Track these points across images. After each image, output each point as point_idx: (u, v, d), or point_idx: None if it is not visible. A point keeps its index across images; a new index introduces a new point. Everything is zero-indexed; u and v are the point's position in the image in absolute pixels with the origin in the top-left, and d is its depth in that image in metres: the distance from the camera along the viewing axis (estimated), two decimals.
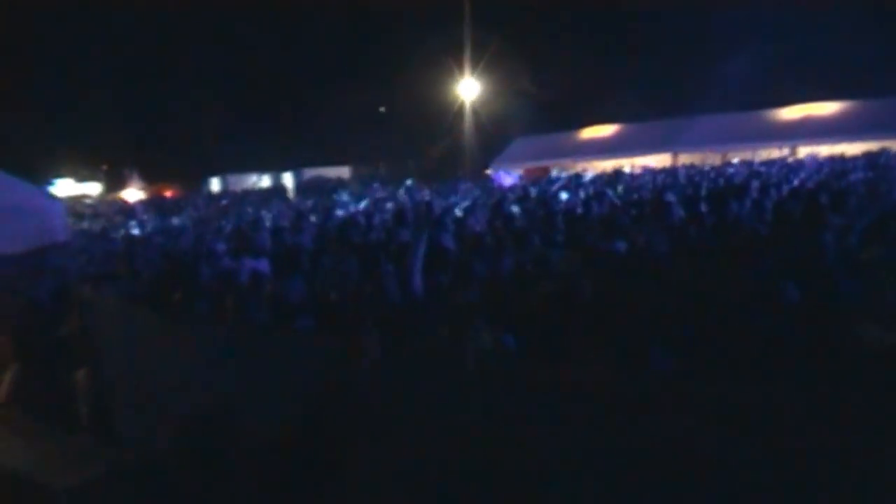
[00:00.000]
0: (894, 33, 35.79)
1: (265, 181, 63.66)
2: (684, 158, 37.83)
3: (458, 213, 15.37)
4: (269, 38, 59.71)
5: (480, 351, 4.63)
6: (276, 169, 64.35)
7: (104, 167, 63.90)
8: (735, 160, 31.12)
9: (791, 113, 40.19)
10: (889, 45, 35.53)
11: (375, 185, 38.76)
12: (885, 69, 35.19)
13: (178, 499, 3.85)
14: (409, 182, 27.76)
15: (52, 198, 8.09)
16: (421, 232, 6.73)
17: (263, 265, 8.76)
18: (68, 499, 4.31)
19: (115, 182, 61.43)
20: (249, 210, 26.45)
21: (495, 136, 48.41)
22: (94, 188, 63.23)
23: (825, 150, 31.55)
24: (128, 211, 36.41)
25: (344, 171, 62.09)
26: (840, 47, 39.24)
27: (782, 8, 43.20)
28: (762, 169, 23.65)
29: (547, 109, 48.75)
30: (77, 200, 46.61)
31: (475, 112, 48.70)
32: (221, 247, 11.14)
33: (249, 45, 59.07)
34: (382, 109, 62.99)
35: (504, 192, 22.11)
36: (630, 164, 36.53)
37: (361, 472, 3.48)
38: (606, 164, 38.03)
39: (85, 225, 27.45)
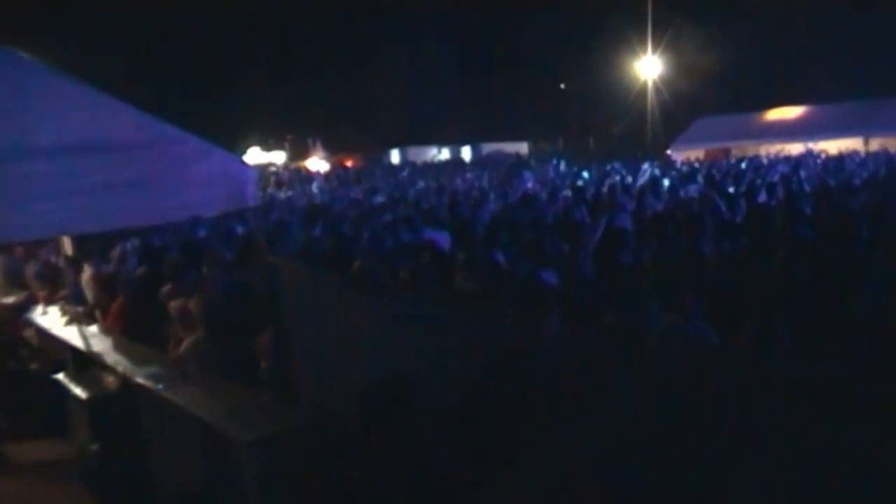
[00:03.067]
0: None
1: (444, 154, 64.36)
2: (876, 144, 35.96)
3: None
4: (454, 13, 60.29)
5: (657, 334, 4.61)
6: (454, 142, 64.98)
7: (289, 137, 65.99)
8: None
9: None
10: None
11: (554, 161, 38.61)
12: None
13: (354, 459, 4.00)
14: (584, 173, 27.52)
15: (245, 165, 8.44)
16: (600, 215, 6.72)
17: (443, 238, 8.90)
18: (252, 450, 4.54)
19: (299, 151, 63.42)
20: (431, 183, 26.77)
21: (677, 115, 47.44)
22: (279, 157, 65.43)
23: None
24: (310, 179, 37.59)
25: (522, 147, 62.10)
26: None
27: None
28: None
29: (731, 89, 47.45)
30: (264, 168, 48.34)
31: (657, 91, 47.89)
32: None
33: (438, 21, 59.89)
34: (563, 86, 62.71)
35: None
36: (817, 147, 35.05)
37: (533, 451, 3.52)
38: (791, 148, 36.72)
39: (270, 191, 28.50)
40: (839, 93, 42.06)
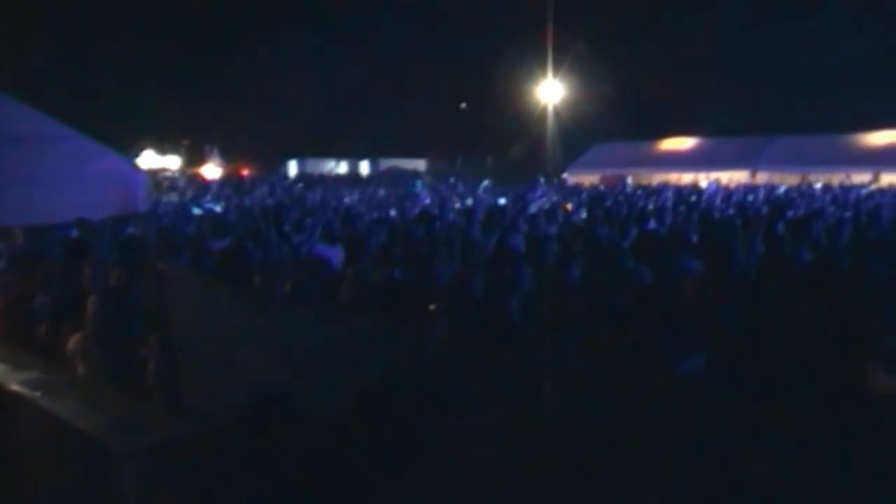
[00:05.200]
0: None
1: (342, 168, 64.15)
2: (762, 177, 37.31)
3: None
4: (354, 27, 60.23)
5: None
6: (353, 156, 64.86)
7: (185, 142, 64.93)
8: (818, 184, 30.52)
9: (876, 139, 39.39)
10: None
11: (451, 179, 38.85)
12: None
13: (237, 472, 3.92)
14: (485, 183, 27.77)
15: (137, 168, 8.24)
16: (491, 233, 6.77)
17: (335, 253, 8.85)
18: (129, 462, 4.41)
19: (194, 157, 62.44)
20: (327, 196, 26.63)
21: (576, 140, 48.21)
22: (174, 162, 64.27)
23: None
24: (204, 187, 37.04)
25: (420, 164, 62.33)
26: None
27: (872, 36, 42.42)
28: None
29: (627, 117, 48.44)
30: (157, 173, 47.44)
31: (557, 115, 48.59)
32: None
33: (335, 33, 59.70)
34: (464, 106, 63.11)
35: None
36: (707, 178, 36.06)
37: (422, 459, 3.52)
38: (683, 178, 37.69)
39: (163, 197, 27.97)
40: (730, 128, 43.59)
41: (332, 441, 3.81)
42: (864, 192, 24.53)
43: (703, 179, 34.93)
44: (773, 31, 46.23)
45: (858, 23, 42.90)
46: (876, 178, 33.52)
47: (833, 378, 4.46)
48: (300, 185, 38.92)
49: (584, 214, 15.58)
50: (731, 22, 48.44)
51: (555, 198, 22.58)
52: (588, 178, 41.67)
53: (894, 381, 3.93)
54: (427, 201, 21.61)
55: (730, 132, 43.64)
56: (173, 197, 28.60)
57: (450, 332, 5.52)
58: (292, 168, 63.93)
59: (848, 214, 14.71)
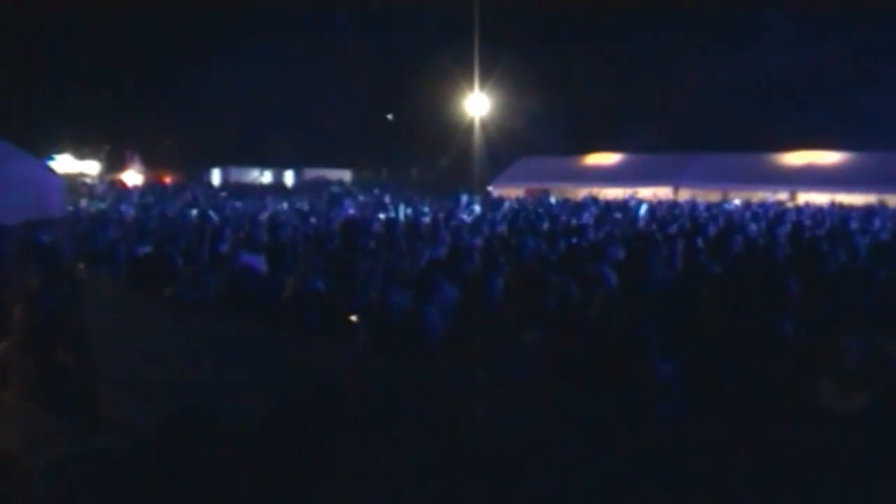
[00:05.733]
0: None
1: (266, 177, 63.62)
2: (685, 193, 37.99)
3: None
4: (282, 37, 59.84)
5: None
6: (278, 166, 64.37)
7: (106, 147, 63.66)
8: (737, 200, 31.26)
9: (793, 159, 40.44)
10: (891, 100, 35.74)
11: (376, 190, 38.80)
12: (887, 123, 35.42)
13: (155, 485, 3.84)
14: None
15: (51, 172, 8.05)
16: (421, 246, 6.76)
17: (259, 262, 8.75)
18: (44, 476, 4.29)
19: (114, 163, 61.21)
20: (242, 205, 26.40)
21: (502, 153, 48.45)
22: (93, 167, 62.88)
23: (824, 198, 31.69)
24: (125, 193, 36.42)
25: (346, 174, 62.13)
26: (846, 99, 39.65)
27: (791, 57, 43.48)
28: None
29: (553, 132, 48.87)
30: (74, 178, 46.46)
31: (483, 128, 48.78)
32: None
33: (262, 42, 59.21)
34: (390, 117, 63.09)
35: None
36: (630, 193, 36.56)
37: (344, 468, 3.49)
38: (607, 193, 38.13)
39: (81, 203, 27.41)
40: (654, 144, 44.32)
41: (249, 454, 3.75)
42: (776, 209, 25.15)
43: (627, 194, 35.40)
44: (699, 50, 47.07)
45: (780, 45, 43.90)
46: (793, 197, 34.39)
47: (773, 392, 4.51)
48: (224, 193, 38.50)
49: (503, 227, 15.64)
50: (658, 40, 49.19)
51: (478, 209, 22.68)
52: (513, 192, 41.94)
53: (846, 400, 4.00)
54: (350, 211, 21.56)
55: (654, 149, 44.35)
56: (92, 203, 28.02)
57: (371, 344, 5.50)
58: (216, 176, 63.18)
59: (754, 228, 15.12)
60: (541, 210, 22.30)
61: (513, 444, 3.22)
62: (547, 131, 49.07)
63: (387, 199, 32.05)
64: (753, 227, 16.49)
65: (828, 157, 39.73)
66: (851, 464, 2.92)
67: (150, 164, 59.07)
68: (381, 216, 19.01)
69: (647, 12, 49.36)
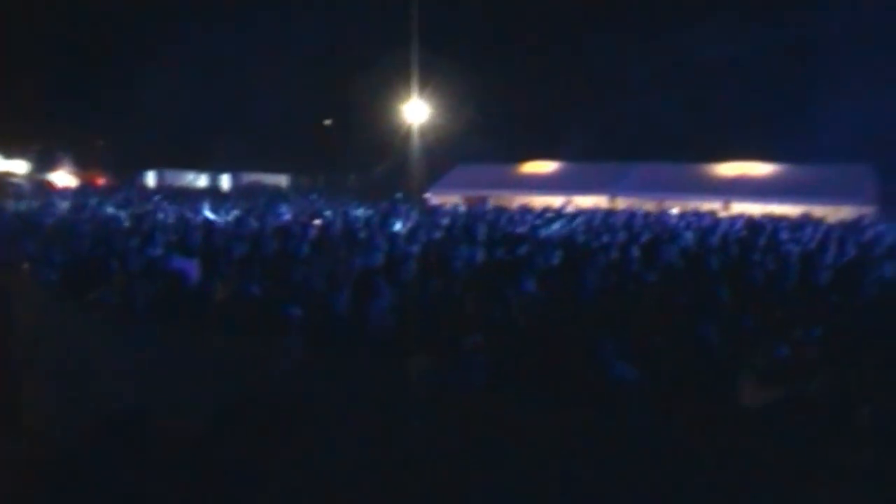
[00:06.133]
0: (827, 102, 36.69)
1: (202, 181, 62.96)
2: (621, 202, 38.38)
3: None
4: (220, 40, 59.28)
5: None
6: (214, 169, 63.72)
7: (35, 146, 62.30)
8: (674, 210, 31.71)
9: (727, 169, 41.13)
10: (821, 113, 36.52)
11: (313, 196, 38.60)
12: (816, 136, 36.19)
13: (86, 492, 3.76)
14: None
15: None
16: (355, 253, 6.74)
17: (192, 266, 8.64)
18: None
19: (44, 163, 59.98)
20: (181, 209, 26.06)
21: (439, 160, 48.51)
22: (20, 167, 61.52)
23: (756, 208, 32.28)
24: (54, 194, 35.75)
25: (283, 179, 61.73)
26: (778, 111, 40.45)
27: (726, 71, 44.24)
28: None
29: (491, 139, 49.04)
30: (0, 177, 45.49)
31: (422, 135, 48.80)
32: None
33: (199, 45, 58.56)
34: (328, 122, 62.80)
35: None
36: (567, 202, 36.80)
37: (275, 474, 3.45)
38: (544, 201, 38.32)
39: (7, 204, 26.84)
40: (591, 153, 44.70)
41: (186, 460, 3.69)
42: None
43: (561, 203, 35.65)
44: (637, 61, 47.64)
45: (714, 58, 44.59)
46: (726, 207, 34.95)
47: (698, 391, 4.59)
48: (158, 196, 37.97)
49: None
50: (596, 50, 49.63)
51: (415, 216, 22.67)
52: (450, 199, 41.96)
53: (763, 393, 4.12)
54: (287, 216, 21.41)
55: (591, 157, 44.73)
56: (18, 204, 27.43)
57: (311, 347, 5.46)
58: (150, 179, 62.33)
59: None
60: (478, 217, 22.33)
61: (453, 448, 3.21)
62: (485, 139, 49.23)
63: (323, 204, 31.92)
64: (688, 235, 16.72)
65: (760, 169, 40.49)
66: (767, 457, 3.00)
67: (82, 165, 58.04)
68: (318, 222, 18.92)
69: (586, 22, 49.91)
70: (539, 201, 37.42)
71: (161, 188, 51.69)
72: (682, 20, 45.61)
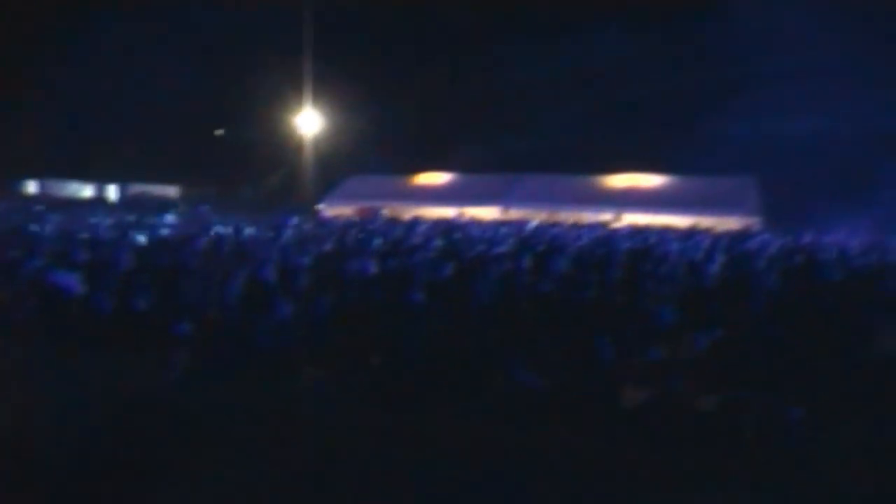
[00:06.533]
0: (715, 116, 37.68)
1: (87, 191, 61.29)
2: (514, 213, 38.78)
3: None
4: (108, 47, 57.94)
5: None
6: (99, 179, 62.07)
7: None
8: (567, 221, 32.24)
9: (618, 181, 41.93)
10: (709, 127, 37.48)
11: (203, 207, 37.96)
12: (704, 149, 37.09)
13: None
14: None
15: None
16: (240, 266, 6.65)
17: (72, 280, 8.38)
18: None
19: None
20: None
21: (333, 171, 48.25)
22: None
23: (647, 219, 33.01)
24: None
25: (172, 190, 60.51)
26: (668, 124, 41.43)
27: (617, 82, 45.06)
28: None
29: (385, 151, 49.03)
30: None
31: (315, 146, 48.49)
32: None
33: (85, 49, 57.14)
34: (219, 132, 61.88)
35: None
36: (460, 213, 37.00)
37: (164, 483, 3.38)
38: (437, 212, 38.44)
39: None
40: (483, 164, 45.05)
41: (60, 475, 3.58)
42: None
43: (454, 214, 35.85)
44: (531, 73, 48.12)
45: (606, 71, 45.40)
46: (617, 218, 35.62)
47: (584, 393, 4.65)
48: (40, 207, 36.79)
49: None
50: (488, 62, 50.05)
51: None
52: (343, 211, 41.80)
53: (640, 393, 4.22)
54: (174, 229, 21.03)
55: (484, 169, 45.07)
56: None
57: (200, 360, 5.36)
58: (31, 188, 60.36)
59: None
60: (371, 228, 22.30)
61: (345, 462, 3.17)
62: (379, 150, 49.21)
63: (213, 215, 31.45)
64: (579, 246, 16.97)
65: (650, 181, 41.42)
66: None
67: None
68: (212, 233, 18.63)
69: (479, 33, 50.22)
70: (432, 213, 37.59)
71: (43, 198, 50.13)
72: (574, 33, 46.32)
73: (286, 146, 49.32)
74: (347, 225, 26.09)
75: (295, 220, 26.12)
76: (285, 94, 48.08)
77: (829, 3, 31.57)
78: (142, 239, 16.48)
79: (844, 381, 4.76)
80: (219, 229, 21.10)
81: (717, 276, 10.68)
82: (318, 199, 47.29)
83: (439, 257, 12.91)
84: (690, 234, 24.12)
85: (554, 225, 29.76)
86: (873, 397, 4.26)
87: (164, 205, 41.56)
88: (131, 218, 26.89)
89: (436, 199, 44.41)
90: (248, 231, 20.48)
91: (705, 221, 31.72)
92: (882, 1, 34.68)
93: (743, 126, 32.97)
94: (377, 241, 16.85)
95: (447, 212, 37.67)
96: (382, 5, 48.18)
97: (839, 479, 3.30)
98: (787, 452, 3.29)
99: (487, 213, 38.28)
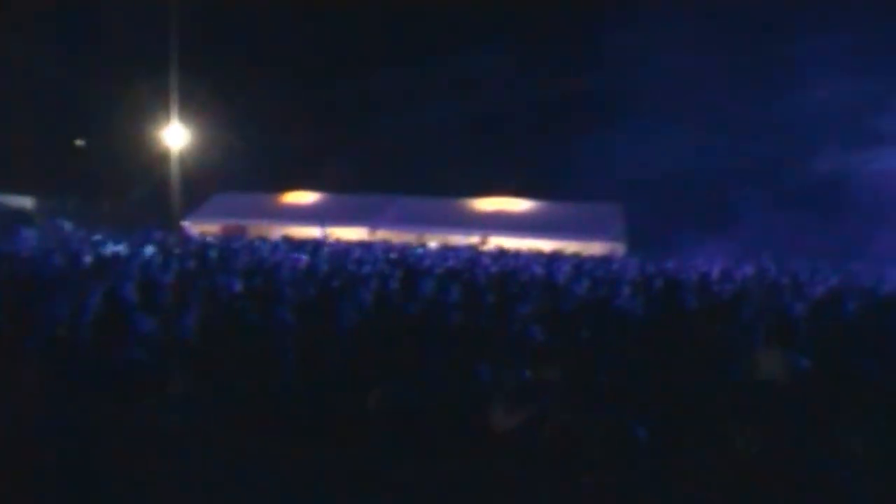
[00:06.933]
0: (581, 144, 38.54)
1: None
2: (381, 235, 38.79)
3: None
4: None
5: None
6: None
7: None
8: (433, 243, 32.40)
9: (485, 205, 42.47)
10: (575, 154, 38.26)
11: (60, 220, 36.73)
12: (570, 175, 37.89)
13: None
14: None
15: None
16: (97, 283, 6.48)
17: None
18: None
19: None
20: None
21: (199, 188, 47.38)
22: None
23: (514, 243, 33.48)
24: None
25: (27, 202, 58.28)
26: (534, 149, 42.21)
27: (487, 107, 45.60)
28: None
29: (252, 168, 48.42)
30: None
31: (182, 161, 47.51)
32: None
33: None
34: (80, 142, 60.00)
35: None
36: (327, 233, 36.81)
37: None
38: (304, 232, 38.19)
39: None
40: (352, 185, 44.97)
41: None
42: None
43: (320, 234, 35.68)
44: (399, 95, 48.24)
45: (474, 96, 45.89)
46: (485, 241, 36.01)
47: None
48: None
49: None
50: (357, 82, 49.99)
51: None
52: (209, 228, 41.14)
53: (511, 419, 4.25)
54: (34, 243, 20.31)
55: (352, 189, 45.00)
56: None
57: (51, 382, 5.18)
58: None
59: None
60: (236, 247, 21.99)
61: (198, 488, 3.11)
62: (246, 167, 48.54)
63: (71, 230, 30.52)
64: (447, 268, 17.11)
65: (517, 205, 42.11)
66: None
67: None
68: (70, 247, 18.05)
69: (351, 55, 50.15)
70: (300, 232, 37.35)
71: None
72: (447, 56, 46.65)
73: (151, 160, 48.16)
74: (212, 242, 25.64)
75: (158, 235, 25.54)
76: (152, 107, 47.03)
77: (697, 36, 32.68)
78: None
79: (698, 402, 4.90)
80: (74, 244, 20.46)
81: (580, 299, 10.92)
82: (184, 216, 46.38)
83: (305, 276, 12.83)
84: (556, 257, 24.55)
85: (422, 247, 29.88)
86: (725, 420, 4.39)
87: (18, 217, 39.99)
88: None
89: (303, 218, 44.15)
90: (110, 246, 19.92)
91: (571, 246, 32.36)
92: (745, 38, 36.17)
93: (610, 153, 33.83)
94: (242, 259, 16.63)
95: (314, 231, 37.45)
96: (254, 21, 47.62)
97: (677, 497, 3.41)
98: (631, 472, 3.38)
99: (355, 233, 38.23)
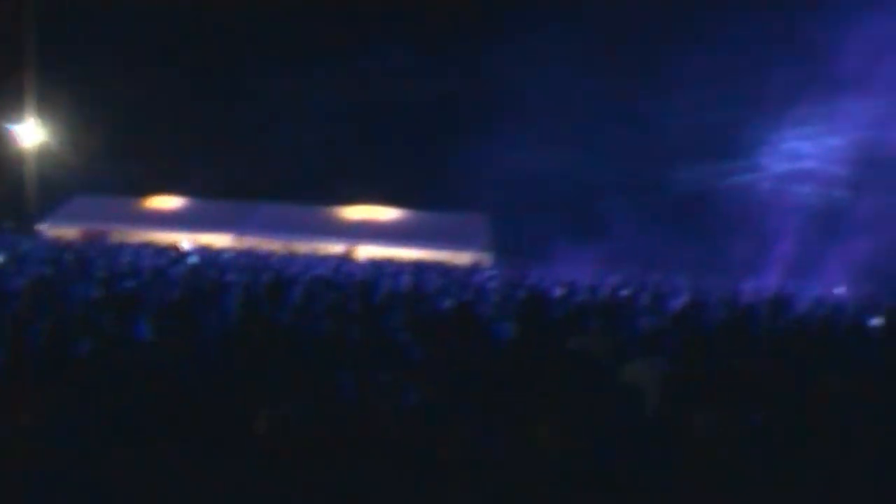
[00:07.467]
0: (449, 153, 38.67)
1: None
2: (249, 241, 38.30)
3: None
4: None
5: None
6: None
7: None
8: (301, 251, 32.22)
9: (352, 213, 42.41)
10: (442, 163, 38.41)
11: None
12: (437, 184, 38.07)
13: None
14: None
15: None
16: None
17: None
18: None
19: None
20: None
21: (57, 189, 45.74)
22: None
23: (381, 252, 33.52)
24: None
25: None
26: (402, 159, 42.28)
27: (353, 116, 45.49)
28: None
29: (114, 170, 47.05)
30: None
31: (38, 161, 45.82)
32: None
33: None
34: None
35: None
36: (192, 239, 36.08)
37: None
38: (168, 238, 37.37)
39: None
40: (218, 191, 44.17)
41: None
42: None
43: (185, 241, 34.96)
44: (266, 100, 47.63)
45: (343, 104, 45.68)
46: (352, 250, 35.94)
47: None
48: None
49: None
50: (225, 86, 49.18)
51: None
52: (67, 232, 39.83)
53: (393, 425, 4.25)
54: None
55: (218, 195, 44.25)
56: None
57: None
58: None
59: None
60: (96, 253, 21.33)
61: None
62: (108, 169, 47.12)
63: None
64: (314, 276, 16.95)
65: (385, 213, 42.19)
66: None
67: None
68: None
69: (221, 58, 49.26)
70: (163, 238, 36.56)
71: None
72: (319, 66, 46.31)
73: (4, 159, 46.29)
74: (70, 247, 24.81)
75: (12, 239, 24.61)
76: (5, 103, 45.23)
77: (568, 49, 33.19)
78: None
79: (556, 407, 4.95)
80: None
81: (447, 308, 10.96)
82: (40, 219, 44.76)
83: (168, 283, 12.54)
84: (423, 267, 24.64)
85: (289, 254, 29.63)
86: (583, 425, 4.46)
87: None
88: None
89: (167, 223, 43.28)
90: None
91: (438, 255, 32.59)
92: (617, 55, 37.00)
93: (479, 163, 34.14)
94: (101, 265, 16.13)
95: (178, 237, 36.67)
96: (119, 17, 46.25)
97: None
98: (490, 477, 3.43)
99: (221, 240, 37.65)
